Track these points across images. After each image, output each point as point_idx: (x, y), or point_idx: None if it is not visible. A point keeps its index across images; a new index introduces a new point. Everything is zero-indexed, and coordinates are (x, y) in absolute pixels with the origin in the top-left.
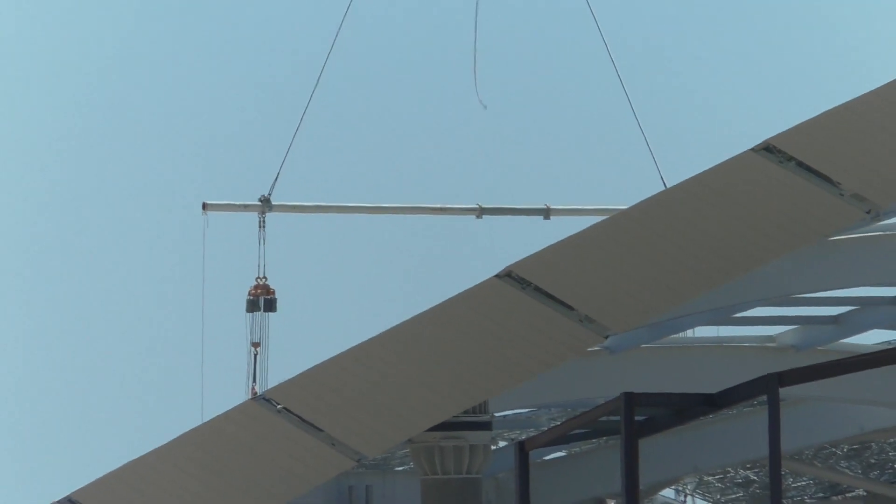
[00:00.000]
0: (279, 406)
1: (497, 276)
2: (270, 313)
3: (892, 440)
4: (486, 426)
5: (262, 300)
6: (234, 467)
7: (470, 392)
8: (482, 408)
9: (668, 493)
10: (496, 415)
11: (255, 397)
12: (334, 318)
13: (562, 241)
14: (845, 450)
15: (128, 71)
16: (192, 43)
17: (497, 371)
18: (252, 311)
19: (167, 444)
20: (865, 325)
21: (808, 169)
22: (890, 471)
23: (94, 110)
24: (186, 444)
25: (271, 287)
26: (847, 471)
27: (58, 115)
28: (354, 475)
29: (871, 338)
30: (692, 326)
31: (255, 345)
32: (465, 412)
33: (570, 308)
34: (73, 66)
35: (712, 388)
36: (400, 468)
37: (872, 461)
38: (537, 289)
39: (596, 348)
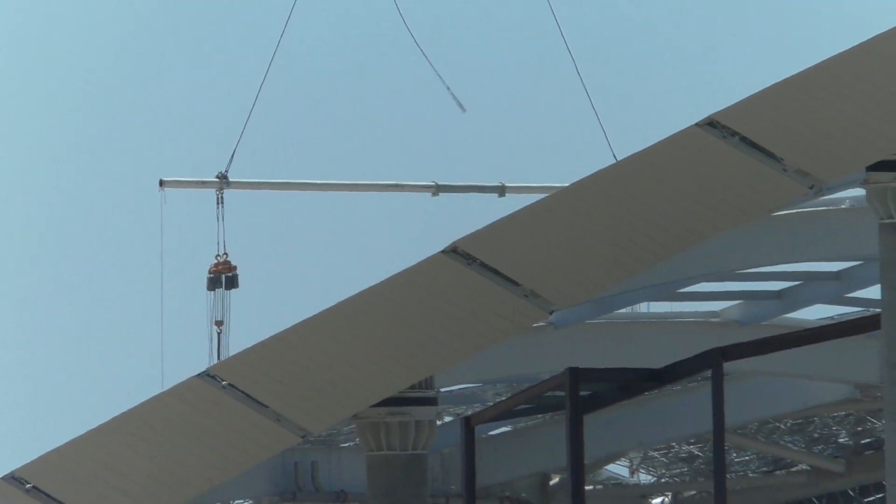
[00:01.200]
0: (224, 382)
1: (443, 251)
2: (232, 290)
3: (835, 415)
4: (431, 402)
5: (220, 277)
6: (180, 444)
7: (415, 367)
8: (428, 383)
9: (613, 468)
10: (442, 390)
11: (200, 373)
12: (295, 295)
13: (507, 216)
14: (789, 424)
15: (83, 47)
16: (146, 19)
17: (442, 346)
18: (213, 289)
19: (112, 419)
20: (808, 300)
21: (752, 144)
22: (833, 445)
23: (48, 86)
24: (132, 421)
25: (233, 263)
26: (790, 445)
27: (12, 93)
28: (300, 451)
29: (814, 313)
30: (637, 302)
31: (219, 323)
32: (411, 388)
33: (516, 283)
34: (28, 43)
35: (657, 364)
36: (346, 444)
37: (816, 435)
38: (483, 264)
39: (541, 324)
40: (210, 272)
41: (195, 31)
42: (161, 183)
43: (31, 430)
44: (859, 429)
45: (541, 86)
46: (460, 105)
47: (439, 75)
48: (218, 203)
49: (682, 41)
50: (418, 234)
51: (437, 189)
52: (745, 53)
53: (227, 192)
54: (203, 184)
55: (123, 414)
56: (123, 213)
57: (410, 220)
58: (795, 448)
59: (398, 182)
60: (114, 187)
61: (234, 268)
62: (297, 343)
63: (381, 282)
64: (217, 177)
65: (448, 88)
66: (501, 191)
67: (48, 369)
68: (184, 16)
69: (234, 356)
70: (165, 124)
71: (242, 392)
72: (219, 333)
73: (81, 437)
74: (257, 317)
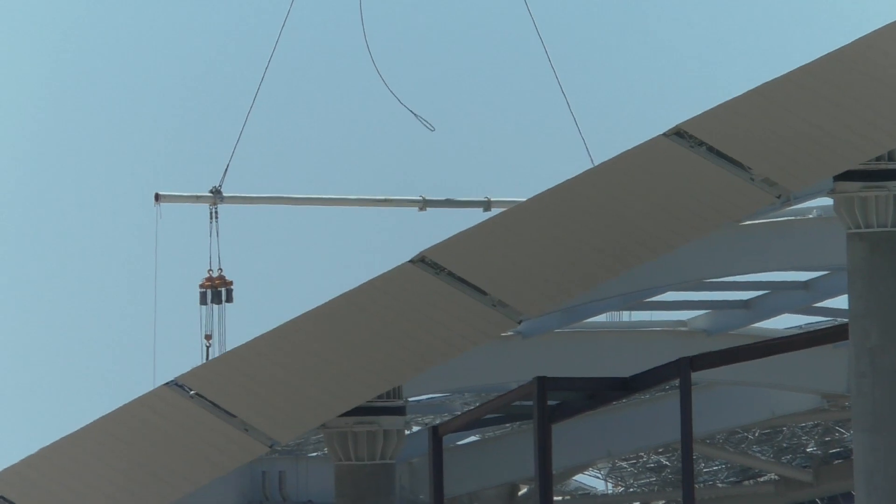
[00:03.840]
0: (192, 391)
1: (411, 261)
2: (227, 305)
3: (803, 424)
4: (399, 411)
5: (211, 292)
6: (148, 453)
7: (383, 376)
8: (396, 392)
9: (581, 478)
10: (410, 400)
11: (168, 382)
12: (287, 308)
13: (475, 226)
14: (757, 434)
15: (79, 61)
16: (142, 34)
17: (410, 355)
18: (205, 304)
19: (80, 429)
20: (776, 309)
21: (719, 154)
22: (801, 455)
23: (45, 101)
24: (100, 430)
25: (228, 278)
26: (759, 455)
27: (7, 107)
28: (267, 461)
29: (782, 322)
30: (604, 311)
31: (208, 337)
32: (379, 397)
33: (483, 293)
34: (25, 55)
35: (625, 373)
36: (313, 454)
37: (784, 445)
38: (450, 274)
39: (509, 333)
40: (201, 287)
41: (189, 48)
42: (157, 197)
43: (22, 443)
44: (827, 439)
45: (523, 100)
46: (428, 125)
47: (401, 102)
48: (211, 218)
49: (660, 52)
50: (406, 248)
51: (425, 204)
52: (718, 62)
53: (221, 207)
54: (198, 198)
55: (91, 423)
56: (119, 228)
57: (399, 234)
58: (764, 458)
59: (387, 197)
60: (109, 202)
61: (230, 283)
62: (265, 353)
63: (349, 291)
64: (211, 191)
65: (413, 112)
66: (487, 205)
67: (40, 381)
68: (178, 33)
69: (202, 365)
70: (162, 139)
71: (210, 401)
72: (208, 347)
73: (49, 446)
74: (251, 330)
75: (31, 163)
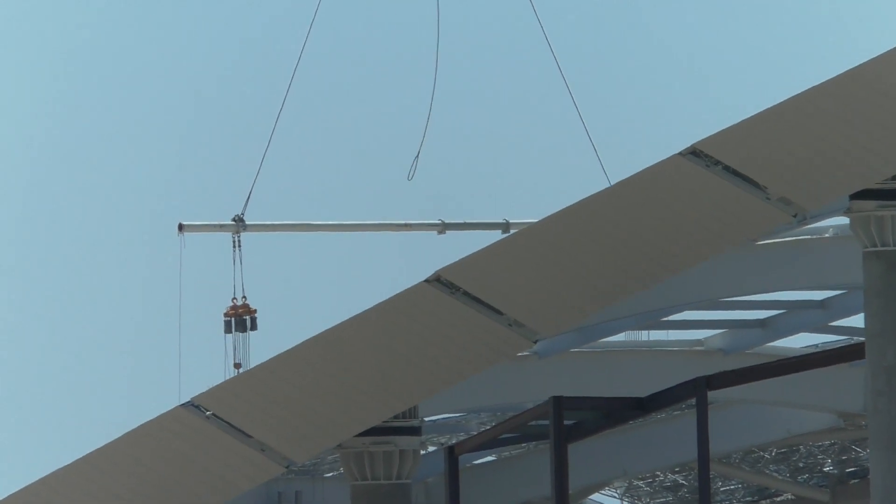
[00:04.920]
0: (208, 412)
1: (426, 280)
2: (251, 332)
3: (819, 443)
4: (415, 431)
5: (234, 321)
6: (164, 473)
7: (399, 396)
8: (412, 412)
9: (597, 497)
10: (426, 419)
11: (185, 403)
12: (311, 334)
13: (490, 245)
14: (773, 453)
15: (102, 90)
16: (166, 67)
17: (426, 375)
18: (229, 332)
19: (96, 450)
20: (792, 328)
21: (735, 173)
22: (818, 474)
23: (68, 130)
24: (116, 451)
25: (252, 306)
26: (775, 474)
27: (32, 137)
28: (284, 481)
29: (798, 341)
30: (620, 330)
31: (237, 366)
32: (395, 417)
33: (499, 312)
34: (46, 84)
35: (641, 392)
36: (329, 474)
37: (800, 465)
38: (466, 293)
39: (525, 353)
40: (226, 315)
41: (211, 79)
42: (180, 227)
43: (42, 464)
44: (844, 458)
45: (541, 121)
46: (412, 171)
47: (423, 135)
48: (235, 246)
49: (677, 73)
50: (427, 271)
51: (444, 227)
52: (733, 80)
53: (244, 235)
54: (221, 227)
55: (107, 444)
56: (143, 258)
57: (419, 257)
58: (780, 477)
59: (407, 221)
60: (134, 233)
61: (254, 311)
62: (281, 373)
63: (365, 311)
64: (233, 219)
65: (418, 153)
66: (505, 227)
67: (64, 408)
68: (201, 64)
69: (219, 386)
70: (184, 169)
71: (226, 422)
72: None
73: (66, 467)
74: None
75: (56, 194)
